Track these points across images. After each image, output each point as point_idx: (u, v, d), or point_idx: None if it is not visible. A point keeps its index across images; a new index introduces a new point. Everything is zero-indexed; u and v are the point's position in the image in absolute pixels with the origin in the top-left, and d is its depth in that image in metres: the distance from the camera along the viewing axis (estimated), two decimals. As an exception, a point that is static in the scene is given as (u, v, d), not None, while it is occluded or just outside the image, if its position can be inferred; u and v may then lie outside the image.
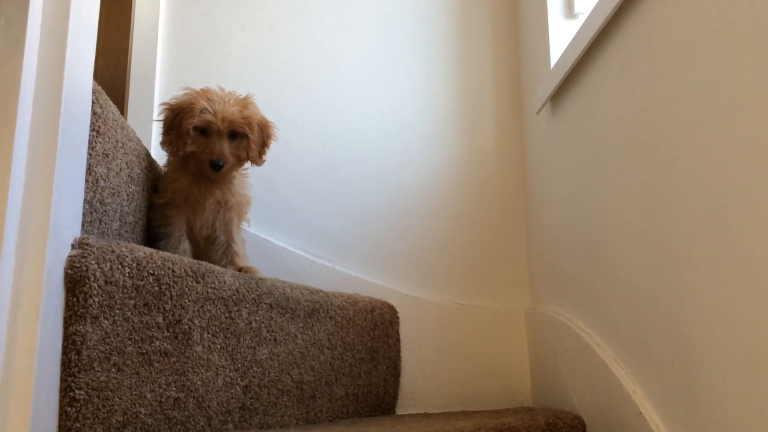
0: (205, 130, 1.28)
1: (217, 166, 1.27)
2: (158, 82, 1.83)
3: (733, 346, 0.81)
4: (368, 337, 1.51)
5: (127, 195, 1.11)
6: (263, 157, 1.38)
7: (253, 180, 1.50)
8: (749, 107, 0.77)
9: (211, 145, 1.28)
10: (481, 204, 1.80)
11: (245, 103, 1.33)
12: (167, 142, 1.30)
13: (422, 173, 1.81)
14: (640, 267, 1.07)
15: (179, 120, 1.27)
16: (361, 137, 1.82)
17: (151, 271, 0.95)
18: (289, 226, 1.76)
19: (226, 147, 1.28)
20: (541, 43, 1.60)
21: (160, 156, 1.45)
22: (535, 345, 1.65)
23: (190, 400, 1.00)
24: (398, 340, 1.64)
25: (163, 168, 1.39)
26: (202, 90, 1.31)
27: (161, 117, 1.32)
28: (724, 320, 0.83)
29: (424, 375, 1.67)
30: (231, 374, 1.09)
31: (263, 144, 1.36)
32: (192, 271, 1.02)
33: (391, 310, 1.64)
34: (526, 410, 1.40)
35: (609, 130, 1.19)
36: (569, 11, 1.53)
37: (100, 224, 1.00)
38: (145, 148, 1.25)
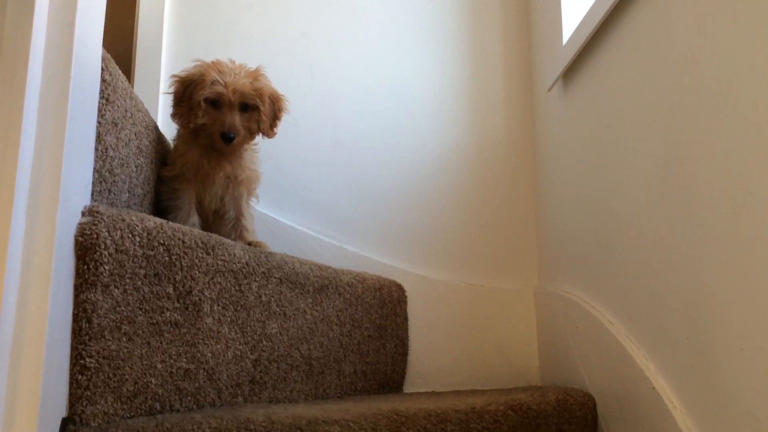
0: (216, 102, 1.27)
1: (228, 138, 1.26)
2: (164, 59, 1.81)
3: (751, 320, 0.80)
4: (376, 315, 1.50)
5: (135, 166, 1.10)
6: (274, 129, 1.37)
7: (261, 158, 1.49)
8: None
9: (222, 117, 1.27)
10: (490, 183, 1.78)
11: (256, 75, 1.32)
12: (178, 114, 1.28)
13: (431, 152, 1.80)
14: (655, 244, 1.05)
15: (190, 92, 1.26)
16: (369, 116, 1.80)
17: (162, 241, 0.94)
18: (297, 205, 1.75)
19: (237, 119, 1.27)
20: (553, 20, 1.58)
21: (167, 130, 1.43)
22: (543, 324, 1.64)
23: (201, 371, 0.99)
24: (406, 319, 1.63)
25: (171, 142, 1.38)
26: (212, 62, 1.30)
27: (171, 89, 1.31)
28: (742, 294, 0.81)
29: (432, 354, 1.66)
30: (241, 347, 1.08)
31: (274, 117, 1.35)
32: (202, 242, 1.01)
33: (399, 288, 1.63)
34: (536, 388, 1.39)
35: (623, 106, 1.18)
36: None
37: (110, 195, 0.99)
38: (153, 120, 1.24)
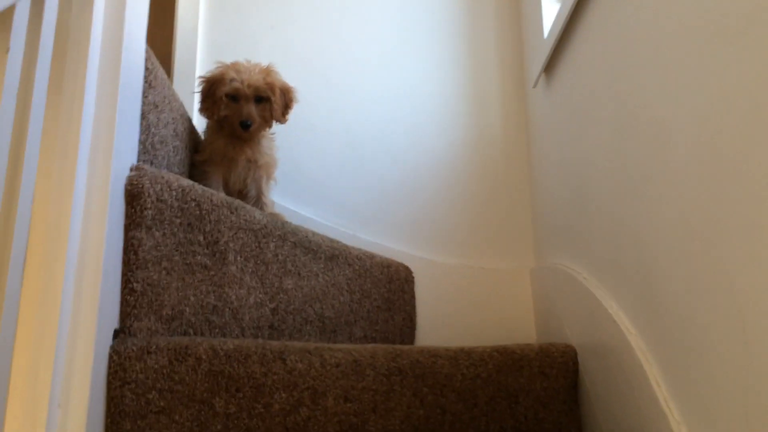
0: (235, 97, 1.50)
1: (246, 125, 1.48)
2: (198, 73, 2.06)
3: (683, 246, 0.96)
4: (384, 289, 1.68)
5: (173, 147, 1.31)
6: (286, 116, 1.59)
7: (282, 159, 1.72)
8: (687, 55, 0.94)
9: (240, 108, 1.49)
10: (489, 175, 1.97)
11: (268, 71, 1.54)
12: (204, 109, 1.51)
13: (435, 148, 1.99)
14: (612, 196, 1.23)
15: (213, 89, 1.49)
16: (378, 118, 2.01)
17: (194, 197, 1.14)
18: (315, 200, 1.95)
19: (253, 109, 1.49)
20: (535, 16, 1.78)
21: (200, 126, 1.66)
22: (537, 297, 1.80)
23: (227, 309, 1.18)
24: (413, 297, 1.80)
25: (202, 134, 1.60)
26: (231, 63, 1.53)
27: (199, 89, 1.54)
28: (675, 224, 0.98)
29: (438, 330, 1.82)
30: (261, 296, 1.27)
31: (286, 106, 1.57)
32: (227, 202, 1.22)
33: (407, 269, 1.81)
34: (525, 344, 1.54)
35: (590, 91, 1.36)
36: (560, -7, 1.71)
37: (151, 166, 1.20)
38: (186, 112, 1.46)
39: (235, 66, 1.52)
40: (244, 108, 1.49)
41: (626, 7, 1.14)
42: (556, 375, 1.34)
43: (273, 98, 1.52)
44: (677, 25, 0.96)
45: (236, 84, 1.49)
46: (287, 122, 1.62)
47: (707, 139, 0.88)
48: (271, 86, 1.52)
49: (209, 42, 2.07)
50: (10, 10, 0.75)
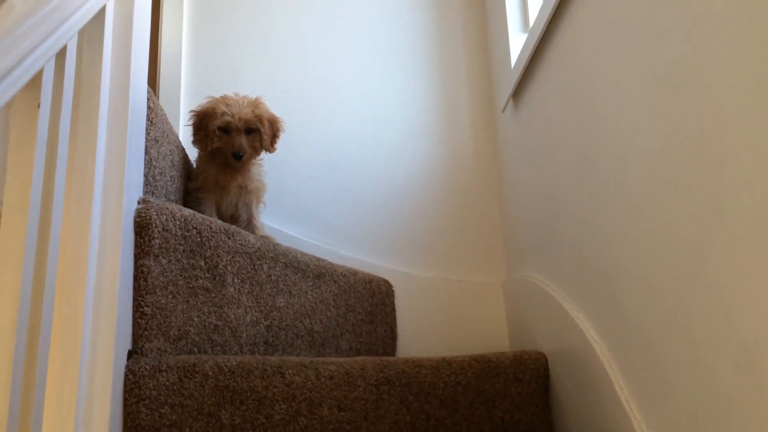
0: (226, 129, 1.60)
1: (238, 156, 1.58)
2: (183, 101, 2.14)
3: (640, 260, 1.09)
4: (367, 303, 1.79)
5: (170, 177, 1.40)
6: (274, 145, 1.69)
7: (267, 181, 1.81)
8: (641, 95, 1.07)
9: (232, 140, 1.59)
10: (462, 194, 2.09)
11: (256, 103, 1.65)
12: (197, 141, 1.61)
13: (411, 171, 2.11)
14: (577, 214, 1.35)
15: (205, 123, 1.59)
16: (357, 143, 2.13)
17: (195, 226, 1.23)
18: (299, 219, 2.05)
19: (243, 141, 1.59)
20: (503, 48, 1.91)
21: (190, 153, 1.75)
22: (510, 308, 1.92)
23: (227, 329, 1.28)
24: (394, 309, 1.91)
25: (194, 162, 1.69)
26: (221, 97, 1.63)
27: (191, 122, 1.63)
28: (633, 241, 1.11)
29: (417, 340, 1.94)
30: (256, 314, 1.36)
31: (274, 135, 1.67)
32: (224, 229, 1.31)
33: (387, 283, 1.92)
34: (500, 352, 1.66)
35: (556, 117, 1.49)
36: (525, 25, 1.84)
37: (153, 196, 1.29)
38: (180, 142, 1.55)
39: (224, 99, 1.62)
40: (236, 140, 1.59)
41: (586, 44, 1.27)
42: (529, 380, 1.46)
43: (262, 129, 1.62)
44: (631, 68, 1.09)
45: (227, 117, 1.59)
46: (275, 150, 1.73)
47: (658, 169, 1.01)
48: (260, 118, 1.63)
49: (193, 72, 2.16)
50: (40, 71, 0.84)
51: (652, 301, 1.04)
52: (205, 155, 1.63)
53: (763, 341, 0.77)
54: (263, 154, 1.72)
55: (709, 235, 0.86)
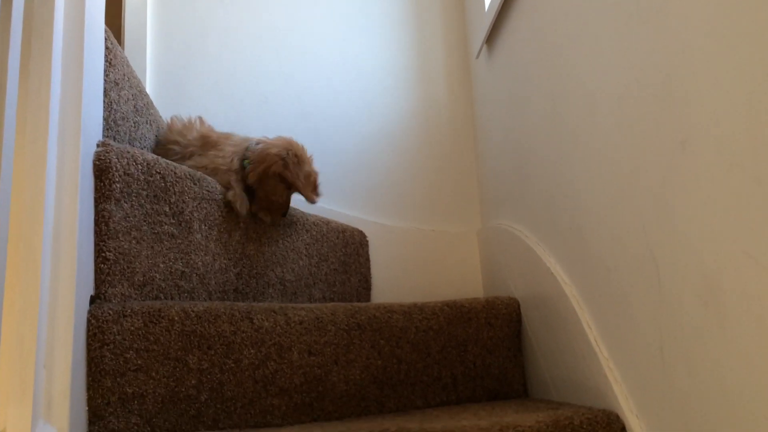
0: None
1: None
2: (149, 51, 2.08)
3: (608, 201, 1.08)
4: (341, 253, 1.77)
5: (134, 123, 1.36)
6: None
7: (237, 131, 1.76)
8: (609, 32, 1.04)
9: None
10: (437, 144, 2.07)
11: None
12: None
13: (386, 119, 2.08)
14: (549, 159, 1.34)
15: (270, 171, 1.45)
16: (329, 93, 2.09)
17: (158, 171, 1.20)
18: (270, 170, 2.02)
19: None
20: (477, -4, 1.87)
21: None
22: (484, 256, 1.92)
23: (194, 275, 1.26)
24: (368, 260, 1.90)
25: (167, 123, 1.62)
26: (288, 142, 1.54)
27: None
28: (602, 182, 1.10)
29: (392, 290, 1.93)
30: (225, 261, 1.35)
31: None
32: (190, 175, 1.28)
33: (361, 234, 1.91)
34: (473, 298, 1.66)
35: (528, 61, 1.46)
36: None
37: (115, 141, 1.25)
38: (144, 88, 1.50)
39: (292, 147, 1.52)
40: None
41: (557, -16, 1.24)
42: (501, 325, 1.46)
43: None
44: (600, 8, 1.06)
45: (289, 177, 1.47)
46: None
47: (627, 106, 0.99)
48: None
49: (159, 22, 2.09)
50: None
51: (618, 239, 1.03)
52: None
53: (725, 272, 0.76)
54: (233, 107, 1.67)
55: (676, 169, 0.86)
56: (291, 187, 1.46)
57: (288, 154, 1.45)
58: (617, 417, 1.03)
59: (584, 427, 1.01)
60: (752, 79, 0.70)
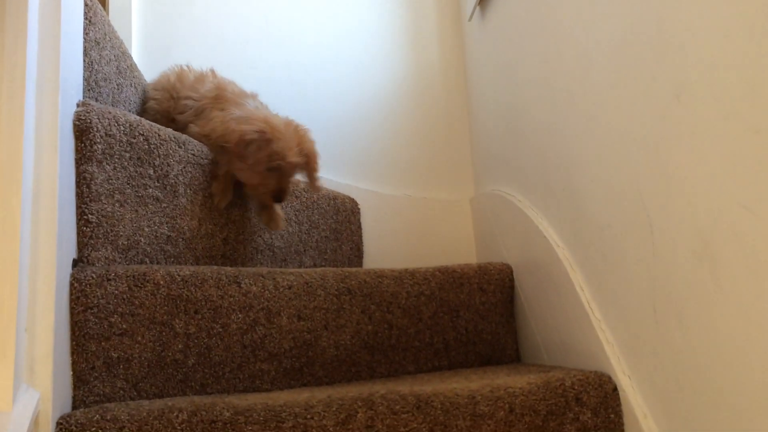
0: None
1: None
2: (134, 16, 2.03)
3: (602, 160, 1.06)
4: (332, 220, 1.75)
5: (117, 84, 1.33)
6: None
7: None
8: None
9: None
10: (430, 110, 2.03)
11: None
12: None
13: (378, 86, 2.04)
14: (542, 121, 1.31)
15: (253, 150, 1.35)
16: (319, 58, 2.04)
17: (141, 132, 1.17)
18: (260, 138, 1.98)
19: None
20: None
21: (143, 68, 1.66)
22: (477, 223, 1.90)
23: (180, 240, 1.23)
24: (360, 227, 1.88)
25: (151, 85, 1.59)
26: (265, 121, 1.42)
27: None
28: (596, 142, 1.08)
29: (384, 258, 1.91)
30: (211, 227, 1.32)
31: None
32: (175, 137, 1.25)
33: (352, 201, 1.88)
34: (465, 264, 1.64)
35: (521, 22, 1.43)
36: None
37: (97, 102, 1.22)
38: (127, 49, 1.46)
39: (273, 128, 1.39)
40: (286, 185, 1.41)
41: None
42: (494, 290, 1.45)
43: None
44: (595, -45, 1.03)
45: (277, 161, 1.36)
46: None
47: (622, 57, 0.97)
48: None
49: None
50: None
51: (612, 197, 1.01)
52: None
53: (720, 226, 0.74)
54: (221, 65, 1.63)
55: (671, 121, 0.83)
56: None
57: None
58: (609, 378, 1.02)
59: (576, 387, 1.00)
60: (750, 24, 0.67)
